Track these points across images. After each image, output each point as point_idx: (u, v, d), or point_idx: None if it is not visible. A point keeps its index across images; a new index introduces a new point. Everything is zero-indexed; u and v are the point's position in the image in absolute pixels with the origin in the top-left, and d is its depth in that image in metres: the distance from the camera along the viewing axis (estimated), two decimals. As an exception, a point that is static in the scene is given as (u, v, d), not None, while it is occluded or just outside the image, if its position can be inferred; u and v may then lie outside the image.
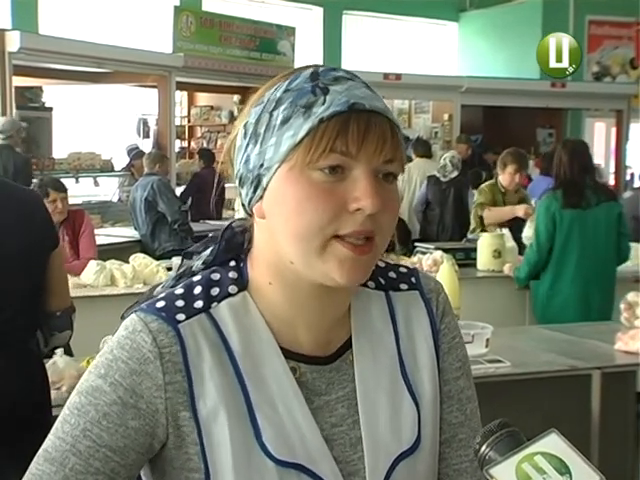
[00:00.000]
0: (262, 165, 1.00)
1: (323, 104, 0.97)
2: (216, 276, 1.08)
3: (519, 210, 5.76)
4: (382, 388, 1.09)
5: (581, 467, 0.92)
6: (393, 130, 0.99)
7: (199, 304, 1.04)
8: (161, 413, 1.00)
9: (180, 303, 1.04)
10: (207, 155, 9.50)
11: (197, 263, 1.12)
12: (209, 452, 0.99)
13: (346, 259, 0.98)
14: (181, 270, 1.13)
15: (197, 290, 1.06)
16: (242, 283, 1.07)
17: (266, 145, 1.00)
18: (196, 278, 1.08)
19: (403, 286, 1.16)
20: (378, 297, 1.14)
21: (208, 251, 1.12)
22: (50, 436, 1.02)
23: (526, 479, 0.92)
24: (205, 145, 11.48)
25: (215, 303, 1.05)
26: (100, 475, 0.99)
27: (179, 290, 1.06)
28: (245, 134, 1.03)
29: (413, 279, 1.17)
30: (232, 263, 1.09)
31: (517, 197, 6.04)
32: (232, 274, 1.08)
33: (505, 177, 5.92)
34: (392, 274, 1.17)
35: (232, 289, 1.06)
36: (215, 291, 1.06)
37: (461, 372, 1.17)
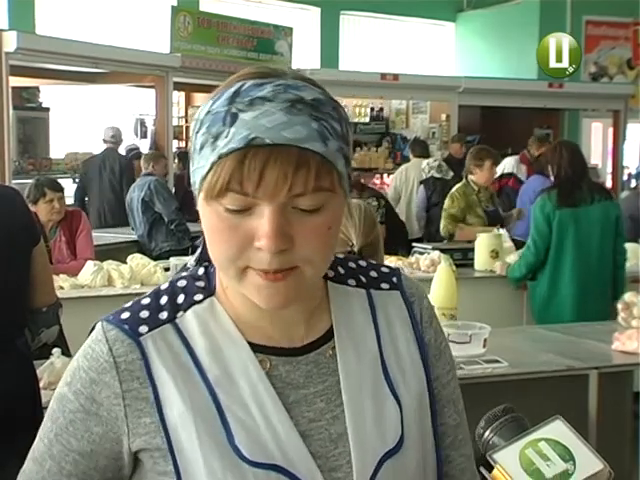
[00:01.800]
0: (195, 183, 1.01)
1: (226, 137, 0.94)
2: (182, 283, 1.09)
3: (489, 230, 5.69)
4: (365, 385, 1.08)
5: (585, 454, 0.92)
6: (304, 161, 0.93)
7: (164, 315, 1.05)
8: (122, 420, 1.02)
9: (145, 314, 1.05)
10: (185, 157, 9.44)
11: (190, 261, 1.14)
12: (179, 457, 1.00)
13: (261, 287, 0.98)
14: (179, 269, 1.15)
15: (163, 300, 1.07)
16: (210, 290, 1.08)
17: (193, 167, 1.00)
18: (163, 286, 1.09)
19: (384, 285, 1.16)
20: (359, 295, 1.14)
21: (200, 248, 1.13)
22: (37, 437, 1.09)
23: (529, 465, 0.92)
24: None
25: (181, 312, 1.06)
26: (73, 477, 1.05)
27: (145, 300, 1.07)
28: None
29: (394, 279, 1.17)
30: (200, 271, 1.10)
31: (488, 193, 6.04)
32: (199, 283, 1.09)
33: (484, 173, 5.90)
34: (373, 273, 1.17)
35: (198, 297, 1.07)
36: (181, 299, 1.07)
37: (451, 375, 1.17)
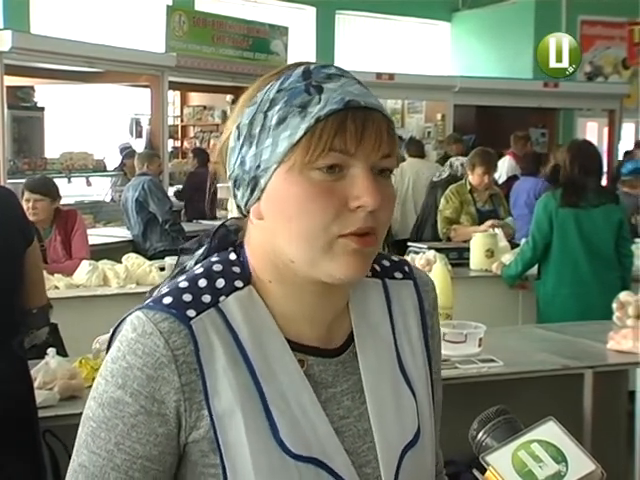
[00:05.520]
0: (259, 166, 1.00)
1: (319, 103, 0.97)
2: (218, 267, 1.07)
3: (481, 228, 5.74)
4: (385, 380, 1.10)
5: (578, 456, 0.92)
6: (389, 126, 1.00)
7: (207, 298, 1.03)
8: (181, 414, 0.99)
9: (188, 297, 1.02)
10: (201, 154, 9.52)
11: (190, 263, 1.11)
12: (225, 449, 0.98)
13: (353, 253, 0.98)
14: (176, 271, 1.13)
15: (202, 283, 1.04)
16: (246, 277, 1.06)
17: (262, 146, 0.99)
18: (198, 270, 1.07)
19: (398, 275, 1.17)
20: (375, 285, 1.15)
21: (201, 250, 1.12)
22: (82, 450, 1.02)
23: (522, 467, 0.92)
24: (198, 145, 11.48)
25: (223, 297, 1.03)
26: None
27: (183, 283, 1.04)
28: (239, 135, 1.02)
29: (406, 268, 1.19)
30: (232, 256, 1.08)
31: (487, 193, 6.04)
32: (235, 268, 1.06)
33: (474, 178, 5.93)
34: (386, 262, 1.18)
35: (238, 283, 1.05)
36: (220, 283, 1.05)
37: (439, 373, 1.20)
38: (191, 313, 1.00)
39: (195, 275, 1.06)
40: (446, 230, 5.93)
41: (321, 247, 0.98)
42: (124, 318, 1.05)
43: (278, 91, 1.00)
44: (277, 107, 0.99)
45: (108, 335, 1.09)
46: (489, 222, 5.75)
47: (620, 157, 12.02)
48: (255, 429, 0.99)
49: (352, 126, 0.96)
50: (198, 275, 1.06)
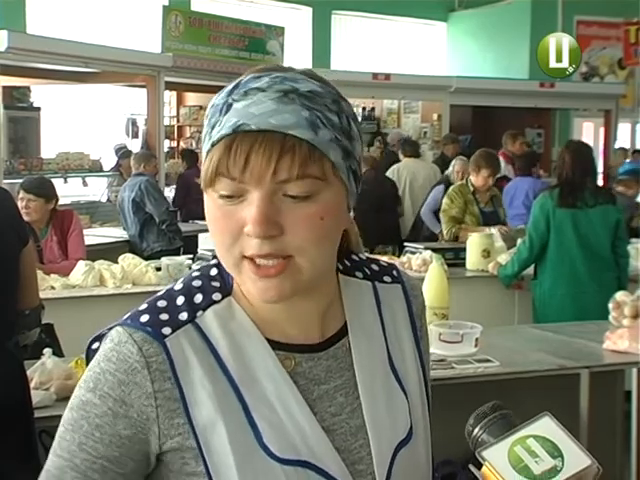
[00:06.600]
0: None
1: (219, 125, 0.98)
2: (197, 283, 1.08)
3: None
4: (377, 377, 1.10)
5: (573, 451, 0.93)
6: (289, 147, 0.95)
7: (184, 316, 1.04)
8: (152, 421, 1.00)
9: (164, 316, 1.03)
10: (190, 155, 9.51)
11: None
12: (209, 458, 0.99)
13: (256, 280, 0.99)
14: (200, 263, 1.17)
15: (180, 300, 1.06)
16: (226, 289, 1.07)
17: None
18: (177, 287, 1.08)
19: (387, 278, 1.18)
20: (367, 287, 1.16)
21: None
22: (50, 456, 1.02)
23: (518, 462, 0.92)
24: (194, 145, 11.47)
25: (200, 312, 1.05)
26: None
27: (161, 302, 1.06)
28: None
29: (395, 272, 1.20)
30: (213, 271, 1.09)
31: (488, 195, 6.05)
32: (215, 283, 1.08)
33: (478, 179, 5.93)
34: (374, 267, 1.19)
35: (216, 296, 1.06)
36: (198, 298, 1.06)
37: (429, 372, 1.21)
38: (166, 331, 1.02)
39: (174, 292, 1.07)
40: (455, 230, 5.91)
41: (232, 266, 1.01)
42: (100, 334, 1.07)
43: (212, 105, 1.02)
44: (205, 124, 1.02)
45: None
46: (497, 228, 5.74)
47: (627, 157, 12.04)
48: (238, 436, 0.99)
49: (235, 152, 0.95)
50: (177, 292, 1.07)
